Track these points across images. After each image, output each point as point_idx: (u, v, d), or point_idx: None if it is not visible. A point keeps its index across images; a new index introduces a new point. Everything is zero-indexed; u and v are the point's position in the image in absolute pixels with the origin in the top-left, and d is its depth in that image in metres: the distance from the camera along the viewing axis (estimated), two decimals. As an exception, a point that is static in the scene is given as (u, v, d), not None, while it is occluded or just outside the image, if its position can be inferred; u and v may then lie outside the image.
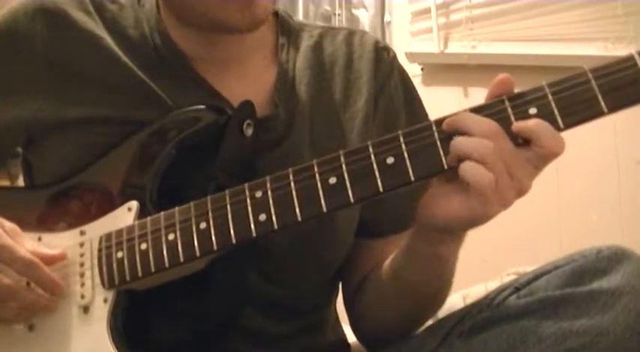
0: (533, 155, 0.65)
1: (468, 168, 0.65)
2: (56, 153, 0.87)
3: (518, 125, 0.65)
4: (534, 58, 1.95)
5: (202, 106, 0.82)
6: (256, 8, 0.81)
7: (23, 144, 0.91)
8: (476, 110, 0.67)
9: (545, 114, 0.65)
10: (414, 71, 2.22)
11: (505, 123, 0.66)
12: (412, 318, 0.87)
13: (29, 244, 0.77)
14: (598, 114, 0.64)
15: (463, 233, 0.75)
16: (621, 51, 1.76)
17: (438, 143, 0.67)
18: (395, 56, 0.99)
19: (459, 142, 0.66)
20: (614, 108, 0.63)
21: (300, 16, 2.40)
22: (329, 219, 0.86)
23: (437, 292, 0.85)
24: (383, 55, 0.97)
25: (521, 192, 0.67)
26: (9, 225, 0.78)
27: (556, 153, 0.65)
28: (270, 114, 0.87)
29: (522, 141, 0.65)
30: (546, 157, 0.65)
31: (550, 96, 0.65)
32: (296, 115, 0.89)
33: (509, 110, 0.66)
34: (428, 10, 2.20)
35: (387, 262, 0.86)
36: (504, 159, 0.65)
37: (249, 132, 0.82)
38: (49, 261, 0.77)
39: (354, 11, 2.43)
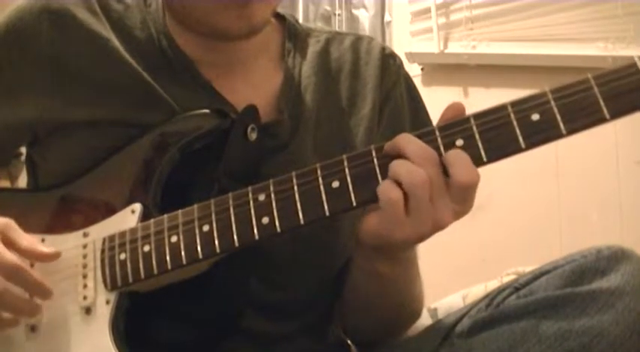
0: (450, 185, 0.66)
1: (382, 189, 0.68)
2: (61, 154, 0.87)
3: (442, 156, 0.67)
4: (534, 58, 1.96)
5: (207, 110, 0.82)
6: (253, 15, 0.81)
7: (28, 143, 0.91)
8: (480, 115, 0.68)
9: (548, 120, 0.65)
10: (414, 71, 2.22)
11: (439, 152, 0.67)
12: (377, 327, 0.90)
13: (26, 240, 0.77)
14: (600, 120, 0.64)
15: (398, 254, 0.77)
16: (621, 51, 1.77)
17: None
18: (401, 64, 0.99)
19: (395, 165, 0.68)
20: (616, 114, 0.64)
21: (300, 16, 2.40)
22: (331, 223, 0.86)
23: (393, 308, 0.87)
24: (389, 62, 0.97)
25: (438, 223, 0.68)
26: (2, 220, 0.77)
27: (463, 183, 0.66)
28: (274, 120, 0.88)
29: (445, 172, 0.67)
30: (457, 187, 0.66)
31: (552, 102, 0.65)
32: (301, 121, 0.89)
33: (439, 140, 0.68)
34: (428, 10, 2.20)
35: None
36: (431, 188, 0.66)
37: (253, 136, 0.82)
38: (44, 258, 0.78)
39: (354, 11, 2.43)
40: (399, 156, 0.68)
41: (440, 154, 0.67)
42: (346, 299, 0.90)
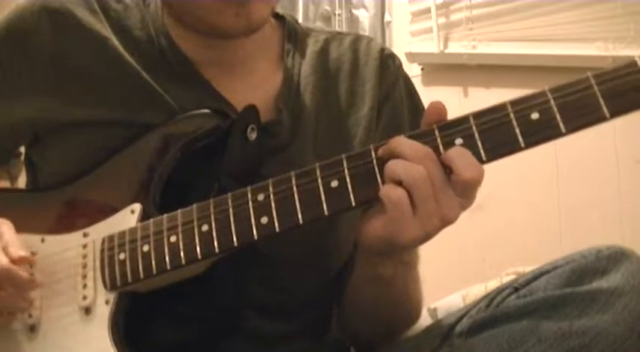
0: (454, 182, 0.66)
1: (384, 191, 0.67)
2: (60, 154, 0.87)
3: (442, 154, 0.67)
4: (534, 58, 1.96)
5: (207, 110, 0.83)
6: (251, 13, 0.81)
7: (28, 143, 0.91)
8: (480, 115, 0.68)
9: (547, 119, 0.65)
10: (414, 71, 2.22)
11: (437, 152, 0.67)
12: (377, 330, 0.89)
13: (4, 239, 0.76)
14: (600, 119, 0.64)
15: (402, 257, 0.76)
16: (621, 51, 1.76)
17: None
18: (400, 64, 0.99)
19: (392, 164, 0.67)
20: (615, 113, 0.64)
21: (300, 16, 2.40)
22: (330, 223, 0.86)
23: (393, 310, 0.86)
24: (389, 62, 0.97)
25: (445, 218, 0.67)
26: None
27: (468, 180, 0.65)
28: (274, 120, 0.88)
29: (448, 170, 0.66)
30: (462, 184, 0.66)
31: (552, 102, 0.65)
32: (300, 121, 0.89)
33: (439, 140, 0.67)
34: (428, 10, 2.20)
35: None
36: (432, 184, 0.66)
37: (252, 136, 0.82)
38: (14, 261, 0.76)
39: (354, 11, 2.43)
40: (397, 156, 0.68)
41: (439, 154, 0.67)
42: (347, 304, 0.90)
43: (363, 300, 0.85)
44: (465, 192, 0.67)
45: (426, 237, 0.68)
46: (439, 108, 0.69)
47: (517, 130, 0.66)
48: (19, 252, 0.76)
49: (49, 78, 0.86)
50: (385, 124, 0.94)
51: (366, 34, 2.24)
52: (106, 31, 0.87)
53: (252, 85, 0.90)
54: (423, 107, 0.98)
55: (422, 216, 0.66)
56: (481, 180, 0.66)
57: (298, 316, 0.91)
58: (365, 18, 2.41)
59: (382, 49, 0.98)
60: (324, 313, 0.96)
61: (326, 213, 0.70)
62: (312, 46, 0.95)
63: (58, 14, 0.87)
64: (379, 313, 0.86)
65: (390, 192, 0.67)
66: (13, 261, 0.76)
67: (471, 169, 0.65)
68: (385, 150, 0.69)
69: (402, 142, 0.68)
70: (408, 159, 0.66)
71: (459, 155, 0.66)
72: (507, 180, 1.73)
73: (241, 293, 0.83)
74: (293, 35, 0.95)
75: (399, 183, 0.66)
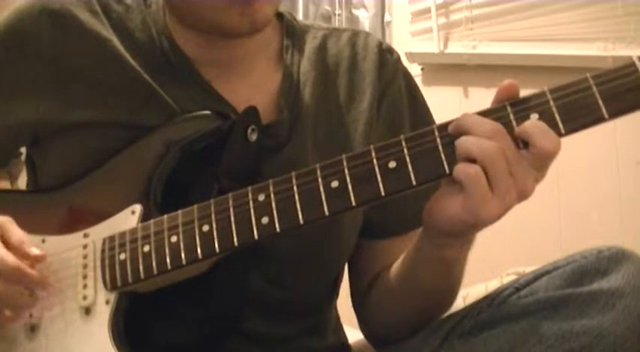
0: (531, 156, 0.65)
1: (460, 169, 0.66)
2: (61, 154, 0.87)
3: (517, 128, 0.66)
4: (534, 58, 1.95)
5: (208, 112, 0.83)
6: (256, 12, 0.81)
7: (29, 144, 0.91)
8: (480, 115, 0.68)
9: (547, 120, 0.65)
10: (414, 71, 2.21)
11: (508, 128, 0.66)
12: (420, 318, 0.87)
13: (16, 238, 0.77)
14: (599, 119, 0.64)
15: (470, 236, 0.75)
16: (621, 51, 1.76)
17: (440, 147, 0.68)
18: (399, 58, 0.99)
19: (463, 141, 0.66)
20: (614, 114, 0.64)
21: (300, 16, 2.40)
22: (332, 222, 0.86)
23: (445, 293, 0.86)
24: (387, 56, 0.97)
25: (523, 193, 0.67)
26: (1, 218, 0.78)
27: (549, 151, 0.65)
28: (274, 120, 0.88)
29: (522, 144, 0.66)
30: (542, 157, 0.65)
31: (551, 102, 0.65)
32: (300, 119, 0.89)
33: (512, 116, 0.67)
34: (428, 10, 2.20)
35: (398, 263, 0.86)
36: (506, 159, 0.65)
37: (253, 137, 0.82)
38: (28, 258, 0.76)
39: (354, 11, 2.43)
40: (465, 134, 0.67)
41: (512, 129, 0.66)
42: (382, 294, 0.89)
43: (414, 286, 0.83)
44: (543, 164, 0.66)
45: (504, 212, 0.67)
46: (510, 88, 0.68)
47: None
48: (36, 250, 0.77)
49: (49, 79, 0.86)
50: (385, 118, 0.94)
51: (366, 33, 2.24)
52: (107, 32, 0.87)
53: (252, 84, 0.90)
54: (423, 99, 0.98)
55: (500, 192, 0.65)
56: (559, 151, 0.65)
57: (299, 316, 0.91)
58: (365, 18, 2.41)
59: (380, 44, 0.98)
60: (326, 313, 0.96)
61: (326, 213, 0.70)
62: (310, 43, 0.95)
63: (58, 15, 0.86)
64: (430, 297, 0.84)
65: (467, 170, 0.65)
66: (30, 259, 0.76)
67: (550, 140, 0.65)
68: (454, 127, 0.68)
69: (470, 119, 0.67)
70: (479, 135, 0.65)
71: (536, 126, 0.65)
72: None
73: (242, 292, 0.83)
74: (291, 32, 0.95)
75: (472, 160, 0.65)
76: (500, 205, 0.66)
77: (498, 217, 0.67)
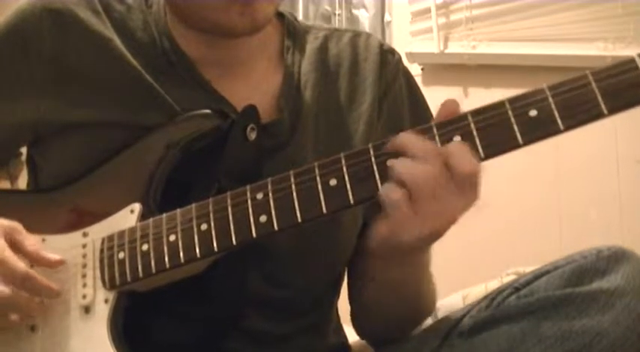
0: (453, 176, 0.65)
1: (383, 191, 0.67)
2: (62, 154, 0.87)
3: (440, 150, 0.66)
4: (534, 58, 1.96)
5: (207, 111, 0.83)
6: (256, 12, 0.81)
7: (29, 143, 0.91)
8: (478, 112, 0.68)
9: (546, 116, 0.65)
10: (414, 71, 2.21)
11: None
12: (401, 323, 0.90)
13: (31, 242, 0.77)
14: (598, 116, 0.64)
15: (410, 258, 0.76)
16: (621, 51, 1.76)
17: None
18: (400, 59, 0.99)
19: (395, 165, 0.67)
20: (614, 110, 0.63)
21: (300, 16, 2.39)
22: (332, 222, 0.86)
23: (407, 311, 0.88)
24: (388, 57, 0.97)
25: (447, 218, 0.67)
26: (9, 224, 0.78)
27: (467, 172, 0.65)
28: (274, 120, 0.88)
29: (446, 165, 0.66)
30: (460, 177, 0.65)
31: (550, 99, 0.65)
32: (301, 119, 0.89)
33: (437, 138, 0.67)
34: (428, 10, 2.20)
35: None
36: (435, 182, 0.65)
37: (252, 136, 0.82)
38: (48, 264, 0.78)
39: (354, 11, 2.43)
40: (401, 154, 0.67)
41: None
42: (359, 307, 0.92)
43: (373, 303, 0.86)
44: (464, 187, 0.66)
45: (430, 236, 0.68)
46: (450, 107, 0.69)
47: (515, 127, 0.66)
48: (55, 256, 0.78)
49: (50, 79, 0.86)
50: (386, 119, 0.94)
51: (366, 33, 2.24)
52: (108, 31, 0.87)
53: (253, 84, 0.90)
54: (424, 100, 0.99)
55: (424, 216, 0.66)
56: (478, 173, 0.66)
57: (300, 315, 0.91)
58: (365, 18, 2.41)
59: (381, 45, 0.98)
60: (326, 312, 0.96)
61: (324, 211, 0.70)
62: (311, 43, 0.95)
63: (59, 15, 0.86)
64: (389, 313, 0.87)
65: (388, 193, 0.66)
66: (50, 265, 0.77)
67: (469, 163, 0.65)
68: (392, 145, 0.68)
69: (409, 139, 0.68)
70: (415, 156, 0.66)
71: (456, 150, 0.65)
72: (507, 180, 1.72)
73: (242, 291, 0.83)
74: (292, 32, 0.95)
75: (401, 182, 0.66)
76: (422, 228, 0.66)
77: (425, 240, 0.68)
